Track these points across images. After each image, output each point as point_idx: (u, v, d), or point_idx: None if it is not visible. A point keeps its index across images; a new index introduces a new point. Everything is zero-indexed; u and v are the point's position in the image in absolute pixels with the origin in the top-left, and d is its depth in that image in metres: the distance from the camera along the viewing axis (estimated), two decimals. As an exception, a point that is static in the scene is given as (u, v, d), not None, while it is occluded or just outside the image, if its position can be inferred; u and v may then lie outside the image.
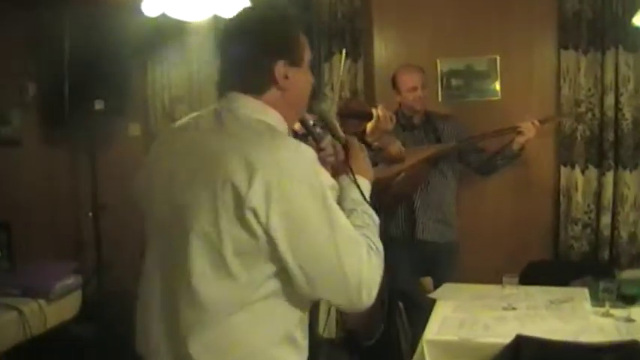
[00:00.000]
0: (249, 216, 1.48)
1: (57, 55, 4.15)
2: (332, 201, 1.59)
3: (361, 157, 1.89)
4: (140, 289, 1.75)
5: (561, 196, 4.25)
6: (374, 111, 3.38)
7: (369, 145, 3.35)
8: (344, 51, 3.60)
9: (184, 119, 1.83)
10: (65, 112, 4.17)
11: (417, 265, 3.86)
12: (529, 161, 4.22)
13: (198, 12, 3.01)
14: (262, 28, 1.69)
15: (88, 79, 4.20)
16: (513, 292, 3.13)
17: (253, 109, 1.68)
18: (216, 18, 3.18)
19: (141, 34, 4.42)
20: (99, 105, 4.30)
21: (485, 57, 4.39)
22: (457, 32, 4.38)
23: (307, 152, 1.60)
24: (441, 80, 4.45)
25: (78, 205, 4.71)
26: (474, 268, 3.95)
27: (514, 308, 3.04)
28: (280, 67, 1.67)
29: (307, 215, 1.53)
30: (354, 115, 3.49)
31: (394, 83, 3.91)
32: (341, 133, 1.92)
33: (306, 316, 1.72)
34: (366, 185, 1.82)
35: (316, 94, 1.87)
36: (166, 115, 4.96)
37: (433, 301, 3.22)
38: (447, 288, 3.45)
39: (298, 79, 1.73)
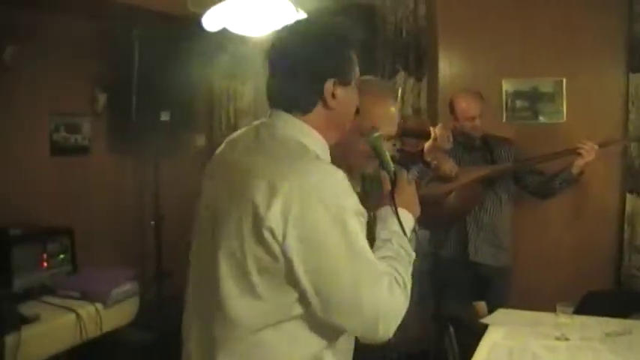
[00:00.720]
0: (267, 235, 1.49)
1: (126, 67, 4.28)
2: (356, 228, 1.54)
3: (408, 190, 1.84)
4: (186, 299, 1.78)
5: (625, 224, 4.12)
6: (432, 130, 3.36)
7: (427, 164, 3.36)
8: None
9: (235, 133, 1.85)
10: (132, 123, 4.30)
11: (468, 288, 3.81)
12: (593, 187, 4.12)
13: (259, 27, 3.04)
14: (313, 44, 1.67)
15: (155, 90, 4.32)
16: (567, 321, 3.03)
17: (293, 129, 1.67)
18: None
19: (208, 48, 4.53)
20: (165, 116, 4.41)
21: (552, 79, 4.31)
22: (523, 53, 4.32)
23: (335, 175, 1.56)
24: (506, 101, 4.39)
25: (141, 213, 4.84)
26: (531, 294, 3.85)
27: (567, 339, 2.94)
28: (330, 86, 1.65)
29: (325, 240, 1.51)
30: (412, 134, 3.48)
31: (452, 109, 3.87)
32: (390, 164, 1.85)
33: (339, 340, 1.69)
34: (408, 219, 1.78)
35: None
36: (231, 127, 5.07)
37: (485, 326, 3.17)
38: (500, 313, 3.38)
39: (346, 98, 1.70)
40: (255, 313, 1.56)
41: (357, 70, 1.74)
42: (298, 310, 1.57)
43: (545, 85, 4.33)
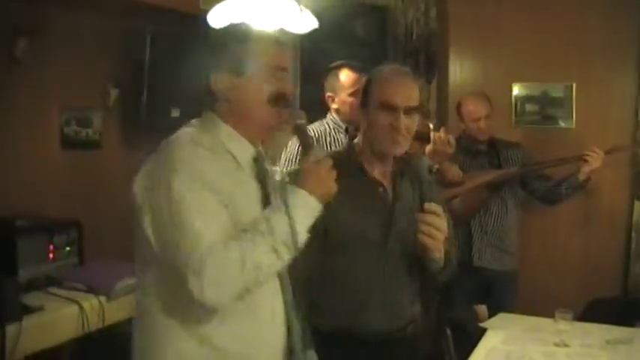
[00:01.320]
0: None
1: (138, 62, 4.31)
2: (193, 192, 1.63)
3: (314, 171, 1.75)
4: None
5: (633, 232, 4.09)
6: (432, 134, 3.35)
7: (429, 167, 3.35)
8: None
9: None
10: (143, 118, 4.33)
11: (472, 292, 3.80)
12: (602, 194, 4.11)
13: (264, 24, 3.05)
14: (203, 41, 1.83)
15: (165, 86, 4.34)
16: (567, 328, 3.01)
17: (196, 124, 1.83)
18: (282, 31, 3.23)
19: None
20: (175, 112, 4.43)
21: (562, 83, 4.29)
22: (534, 57, 4.31)
23: (178, 149, 1.71)
24: (515, 105, 4.37)
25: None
26: (538, 300, 3.86)
27: (566, 345, 2.93)
28: (220, 78, 1.75)
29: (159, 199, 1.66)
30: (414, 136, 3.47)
31: (458, 111, 3.87)
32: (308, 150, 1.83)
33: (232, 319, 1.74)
34: (308, 202, 1.70)
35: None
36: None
37: (484, 330, 3.15)
38: (500, 318, 3.37)
39: (244, 89, 1.76)
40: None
41: (266, 58, 1.78)
42: None
43: (556, 90, 4.32)
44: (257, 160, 1.86)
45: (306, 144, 1.84)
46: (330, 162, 1.76)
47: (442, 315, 3.88)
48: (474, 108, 3.82)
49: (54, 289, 3.56)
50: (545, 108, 4.34)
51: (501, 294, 3.82)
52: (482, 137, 3.81)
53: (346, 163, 2.18)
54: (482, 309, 3.43)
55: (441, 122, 4.42)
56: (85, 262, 3.87)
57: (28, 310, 3.17)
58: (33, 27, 3.85)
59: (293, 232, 1.63)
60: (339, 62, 3.57)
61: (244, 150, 1.82)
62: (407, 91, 2.18)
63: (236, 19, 2.95)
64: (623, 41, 4.15)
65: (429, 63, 4.44)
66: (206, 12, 4.41)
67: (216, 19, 2.99)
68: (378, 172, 2.25)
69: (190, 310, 1.68)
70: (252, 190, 1.83)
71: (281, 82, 1.80)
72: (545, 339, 3.00)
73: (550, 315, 3.27)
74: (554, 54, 4.26)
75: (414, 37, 4.46)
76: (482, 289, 3.84)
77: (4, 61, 3.80)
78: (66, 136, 4.22)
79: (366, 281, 2.18)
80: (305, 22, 2.99)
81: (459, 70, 4.55)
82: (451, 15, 4.50)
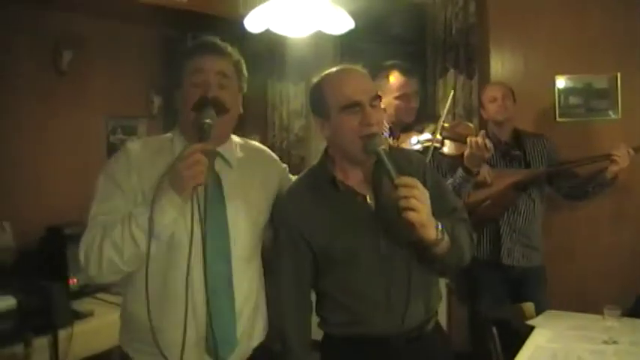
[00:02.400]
0: None
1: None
2: (102, 186, 2.07)
3: (170, 171, 1.91)
4: None
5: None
6: (468, 139, 3.31)
7: (468, 171, 3.31)
8: (452, 92, 3.60)
9: None
10: (186, 124, 4.39)
11: (502, 290, 3.76)
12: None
13: (301, 28, 3.06)
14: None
15: (207, 93, 4.40)
16: (615, 324, 2.94)
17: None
18: (319, 34, 3.24)
19: (260, 50, 4.59)
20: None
21: (606, 75, 4.19)
22: (577, 48, 4.21)
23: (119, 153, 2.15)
24: (559, 98, 4.29)
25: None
26: (583, 298, 3.79)
27: (615, 342, 2.87)
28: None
29: None
30: (454, 138, 3.46)
31: (480, 100, 3.87)
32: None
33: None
34: (163, 195, 1.91)
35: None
36: (284, 128, 5.12)
37: (531, 328, 3.11)
38: (547, 316, 3.31)
39: (180, 98, 2.09)
40: None
41: (192, 69, 2.06)
42: None
43: (600, 81, 4.21)
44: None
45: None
46: (193, 155, 1.87)
47: (474, 313, 3.85)
48: (490, 89, 3.83)
49: (103, 295, 3.66)
50: (590, 100, 4.24)
51: (531, 291, 3.76)
52: (501, 117, 3.75)
53: (320, 179, 2.15)
54: (529, 306, 3.36)
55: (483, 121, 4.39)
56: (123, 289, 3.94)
57: (78, 315, 3.28)
58: (77, 39, 3.95)
59: (150, 220, 1.88)
60: (390, 62, 3.57)
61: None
62: (365, 84, 2.07)
63: (273, 23, 3.00)
64: (668, 28, 4.04)
65: (469, 58, 4.38)
66: (246, 15, 4.50)
67: (254, 23, 3.01)
68: (356, 179, 2.13)
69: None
70: None
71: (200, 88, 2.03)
72: (593, 336, 2.93)
73: (596, 312, 3.23)
74: (596, 44, 4.15)
75: (454, 32, 4.40)
76: (511, 287, 3.79)
77: (50, 74, 3.91)
78: (112, 144, 4.31)
79: (367, 292, 2.11)
80: (342, 23, 2.99)
81: (500, 65, 4.46)
82: (490, 8, 4.41)
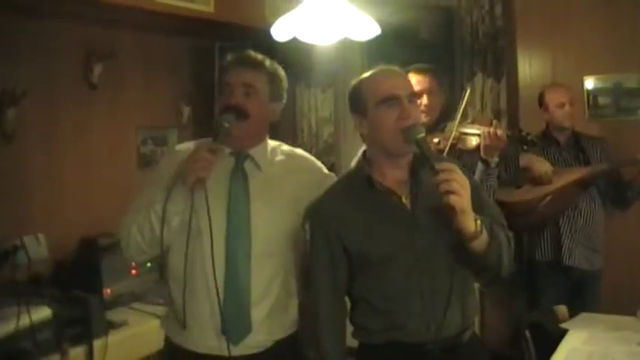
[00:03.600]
0: None
1: (208, 80, 4.42)
2: (149, 180, 2.35)
3: (182, 165, 2.22)
4: None
5: None
6: (481, 130, 3.24)
7: (485, 162, 3.25)
8: (468, 90, 3.51)
9: None
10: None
11: (562, 292, 3.71)
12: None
13: (328, 35, 3.07)
14: None
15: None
16: (650, 325, 2.92)
17: None
18: (346, 40, 3.25)
19: (287, 57, 4.60)
20: (247, 127, 4.52)
21: (636, 73, 4.14)
22: (605, 48, 4.16)
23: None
24: (588, 99, 4.25)
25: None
26: (613, 298, 3.75)
27: (650, 344, 2.84)
28: None
29: None
30: (471, 133, 3.40)
31: (541, 102, 3.81)
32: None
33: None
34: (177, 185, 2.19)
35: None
36: (313, 135, 5.14)
37: (564, 332, 3.08)
38: (582, 318, 3.28)
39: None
40: None
41: (228, 77, 2.31)
42: None
43: (629, 81, 4.16)
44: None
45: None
46: (199, 152, 2.13)
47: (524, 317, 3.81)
48: (557, 93, 3.77)
49: (137, 305, 3.70)
50: (620, 100, 4.20)
51: (590, 294, 3.73)
52: (568, 123, 3.75)
53: (357, 180, 2.16)
54: (562, 309, 3.33)
55: (513, 121, 4.37)
56: (163, 276, 3.98)
57: (112, 325, 3.32)
58: (107, 52, 4.00)
59: (164, 208, 2.13)
60: (405, 69, 3.53)
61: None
62: (403, 80, 2.14)
63: (299, 31, 3.02)
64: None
65: (496, 61, 4.37)
66: (272, 24, 4.52)
67: (280, 32, 3.03)
68: (393, 180, 2.12)
69: None
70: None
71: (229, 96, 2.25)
72: (628, 338, 2.89)
73: (628, 314, 3.19)
74: (625, 44, 4.10)
75: (480, 35, 4.39)
76: (572, 289, 3.75)
77: (82, 87, 3.97)
78: (142, 155, 4.36)
79: (401, 295, 2.08)
80: (368, 29, 2.99)
81: (528, 67, 4.44)
82: (517, 11, 4.40)
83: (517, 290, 4.04)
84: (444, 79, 3.62)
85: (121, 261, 3.70)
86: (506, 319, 4.08)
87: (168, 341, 2.43)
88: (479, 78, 4.41)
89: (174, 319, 2.30)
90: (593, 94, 4.25)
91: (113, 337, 3.24)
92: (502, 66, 4.39)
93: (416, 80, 3.32)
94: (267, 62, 2.35)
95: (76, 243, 3.78)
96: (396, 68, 2.18)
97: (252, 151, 2.31)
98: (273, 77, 2.35)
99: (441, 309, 2.07)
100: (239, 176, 2.28)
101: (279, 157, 2.39)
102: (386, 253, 2.08)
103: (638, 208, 3.99)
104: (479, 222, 1.95)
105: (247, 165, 2.30)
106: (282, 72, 2.41)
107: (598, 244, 3.79)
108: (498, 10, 4.34)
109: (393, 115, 2.04)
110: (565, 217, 3.71)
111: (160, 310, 3.52)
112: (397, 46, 3.96)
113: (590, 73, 4.24)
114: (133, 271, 3.82)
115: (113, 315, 3.47)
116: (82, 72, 3.96)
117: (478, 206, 2.05)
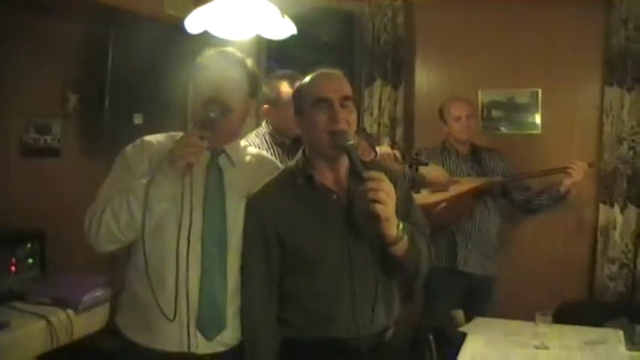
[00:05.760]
0: None
1: (100, 68, 4.20)
2: (116, 168, 2.29)
3: (172, 149, 2.12)
4: None
5: (599, 234, 4.17)
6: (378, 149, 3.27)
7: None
8: None
9: None
10: (105, 125, 4.21)
11: (457, 298, 3.82)
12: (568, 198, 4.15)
13: (241, 31, 3.01)
14: None
15: (128, 93, 4.24)
16: (546, 330, 3.04)
17: None
18: (260, 38, 3.19)
19: (184, 51, 4.47)
20: (138, 119, 4.34)
21: (528, 89, 4.35)
22: (500, 63, 4.36)
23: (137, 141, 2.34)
24: (482, 111, 4.42)
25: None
26: (507, 303, 3.89)
27: (546, 347, 2.96)
28: None
29: None
30: None
31: (441, 114, 3.92)
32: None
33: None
34: (161, 167, 2.10)
35: None
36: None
37: (464, 335, 3.16)
38: (478, 322, 3.39)
39: (194, 96, 2.36)
40: None
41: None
42: None
43: (522, 96, 4.38)
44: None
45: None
46: (189, 137, 2.07)
47: (425, 322, 3.89)
48: (455, 107, 3.89)
49: (18, 304, 3.42)
50: (512, 114, 4.40)
51: (484, 299, 3.87)
52: (465, 136, 3.87)
53: (296, 176, 2.19)
54: (459, 313, 3.43)
55: (408, 129, 4.46)
56: (48, 274, 3.74)
57: (-6, 327, 3.05)
58: (-9, 32, 3.72)
59: (146, 192, 2.05)
60: (279, 72, 3.41)
61: None
62: (338, 83, 2.17)
63: (212, 25, 2.93)
64: (588, 47, 4.23)
65: (396, 69, 4.44)
66: (171, 17, 4.37)
67: (193, 25, 2.93)
68: (331, 179, 2.18)
69: None
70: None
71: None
72: (524, 342, 3.03)
73: (521, 318, 3.32)
74: (520, 61, 4.31)
75: (382, 42, 4.44)
76: (466, 295, 3.87)
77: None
78: (25, 143, 4.08)
79: (332, 293, 2.13)
80: (282, 28, 2.95)
81: (426, 77, 4.56)
82: (418, 21, 4.51)
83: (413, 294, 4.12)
84: None
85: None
86: (403, 322, 4.13)
87: (122, 337, 2.31)
88: (377, 84, 4.46)
89: (135, 314, 2.23)
90: (487, 107, 4.42)
91: (-6, 339, 2.98)
92: (401, 74, 4.46)
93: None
94: (247, 59, 2.37)
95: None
96: (335, 72, 2.23)
97: (227, 147, 2.29)
98: (251, 74, 2.34)
99: (369, 307, 2.13)
100: (215, 170, 2.26)
101: (249, 157, 2.40)
102: (320, 251, 2.12)
103: (521, 217, 4.19)
104: (401, 227, 2.03)
105: (221, 160, 2.28)
106: (256, 70, 2.42)
107: (492, 250, 3.94)
108: (400, 18, 4.42)
109: (323, 117, 2.09)
110: (460, 225, 3.82)
111: (44, 309, 3.32)
112: (299, 47, 3.92)
113: (485, 86, 4.42)
114: (13, 267, 3.55)
115: (-9, 315, 3.21)
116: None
117: (405, 214, 2.16)
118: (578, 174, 3.64)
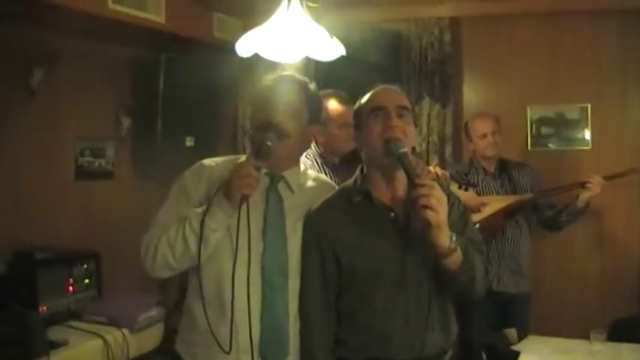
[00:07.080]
0: None
1: (152, 92, 4.30)
2: (173, 194, 2.27)
3: (229, 180, 2.09)
4: None
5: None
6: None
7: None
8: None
9: None
10: (157, 147, 4.31)
11: (491, 316, 3.80)
12: (616, 214, 4.12)
13: (291, 53, 3.04)
14: None
15: (180, 116, 4.33)
16: (601, 348, 2.99)
17: None
18: (308, 59, 3.22)
19: (233, 74, 4.56)
20: (189, 142, 4.43)
21: (577, 105, 4.31)
22: (548, 79, 4.34)
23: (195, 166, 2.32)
24: (531, 128, 4.39)
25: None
26: (558, 321, 3.84)
27: (601, 366, 2.92)
28: None
29: None
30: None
31: (466, 131, 3.91)
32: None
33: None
34: (217, 201, 2.08)
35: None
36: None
37: (517, 354, 3.13)
38: (530, 340, 3.35)
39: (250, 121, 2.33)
40: None
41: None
42: None
43: (571, 112, 4.34)
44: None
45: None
46: (246, 168, 2.03)
47: (466, 339, 3.85)
48: (480, 124, 3.86)
49: (75, 323, 3.52)
50: (561, 130, 4.36)
51: (519, 316, 3.83)
52: (490, 153, 3.84)
53: (353, 194, 2.18)
54: (512, 332, 3.41)
55: (457, 146, 4.44)
56: (102, 294, 3.83)
57: (53, 345, 3.12)
58: (47, 58, 3.83)
59: (202, 223, 2.05)
60: (323, 91, 3.29)
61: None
62: (394, 93, 2.17)
63: (262, 48, 2.98)
64: (636, 60, 4.18)
65: (444, 87, 4.44)
66: (220, 40, 4.45)
67: (244, 49, 2.98)
68: (389, 196, 2.15)
69: None
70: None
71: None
72: (579, 362, 2.98)
73: (573, 337, 3.27)
74: (568, 76, 4.28)
75: (429, 61, 4.45)
76: (501, 313, 3.83)
77: (20, 93, 3.77)
78: (80, 166, 4.19)
79: (387, 312, 2.09)
80: (332, 50, 2.98)
81: (474, 94, 4.54)
82: (465, 39, 4.51)
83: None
84: None
85: (58, 276, 3.58)
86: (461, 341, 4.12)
87: None
88: (426, 102, 4.46)
89: (196, 341, 2.22)
90: (536, 123, 4.38)
91: (54, 358, 3.05)
92: (449, 92, 4.45)
93: (345, 110, 3.26)
94: (309, 84, 2.33)
95: (8, 256, 3.54)
96: (393, 86, 2.23)
97: (286, 174, 2.27)
98: (312, 99, 2.30)
99: (424, 327, 2.09)
100: (274, 197, 2.24)
101: (310, 183, 2.37)
102: (376, 268, 2.10)
103: (570, 234, 4.13)
104: (454, 239, 1.98)
105: (280, 187, 2.26)
106: (319, 95, 2.40)
107: (524, 268, 3.91)
108: (447, 36, 4.42)
109: (379, 125, 2.08)
110: (493, 244, 3.80)
111: (100, 328, 3.41)
112: (347, 67, 3.95)
113: (534, 102, 4.39)
114: (70, 288, 3.64)
115: (51, 334, 3.28)
116: (20, 77, 3.76)
117: (460, 228, 2.13)
118: (595, 188, 3.63)
